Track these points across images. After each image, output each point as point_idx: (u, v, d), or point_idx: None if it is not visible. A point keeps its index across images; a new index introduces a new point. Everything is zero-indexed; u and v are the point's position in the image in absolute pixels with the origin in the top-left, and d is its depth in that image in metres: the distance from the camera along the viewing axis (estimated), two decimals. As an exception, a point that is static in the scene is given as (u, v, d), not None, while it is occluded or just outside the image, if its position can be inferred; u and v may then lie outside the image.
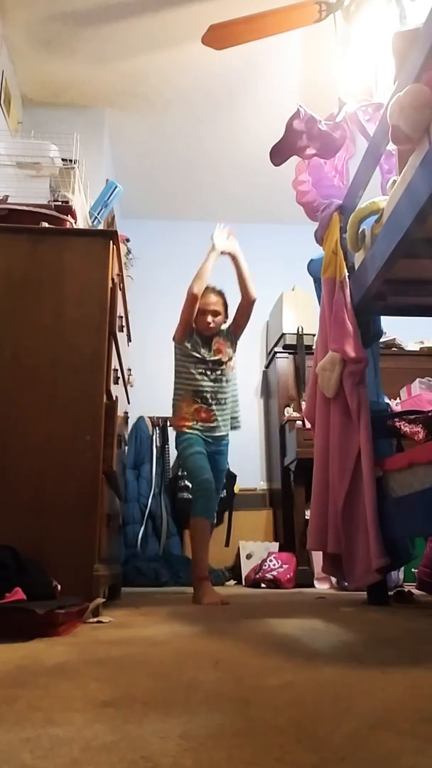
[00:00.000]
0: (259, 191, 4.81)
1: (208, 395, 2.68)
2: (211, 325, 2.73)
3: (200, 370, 2.70)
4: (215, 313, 2.74)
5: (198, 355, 2.70)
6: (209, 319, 2.72)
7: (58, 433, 1.92)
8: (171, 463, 4.32)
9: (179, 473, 4.19)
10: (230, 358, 2.77)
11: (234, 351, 2.81)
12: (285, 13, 2.82)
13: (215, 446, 2.72)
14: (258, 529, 4.11)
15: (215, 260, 2.71)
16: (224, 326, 2.82)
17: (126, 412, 2.85)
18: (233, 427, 2.79)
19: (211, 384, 2.70)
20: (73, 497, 1.86)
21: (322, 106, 2.81)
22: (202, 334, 2.75)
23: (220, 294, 2.80)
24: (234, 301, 2.83)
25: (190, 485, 2.73)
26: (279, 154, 2.50)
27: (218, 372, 2.72)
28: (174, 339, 2.76)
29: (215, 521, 2.81)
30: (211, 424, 2.68)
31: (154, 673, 0.90)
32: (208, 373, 2.71)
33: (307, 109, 2.43)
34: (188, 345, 2.71)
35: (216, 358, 2.72)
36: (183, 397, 2.70)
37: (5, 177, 2.51)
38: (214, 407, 2.69)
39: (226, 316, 2.82)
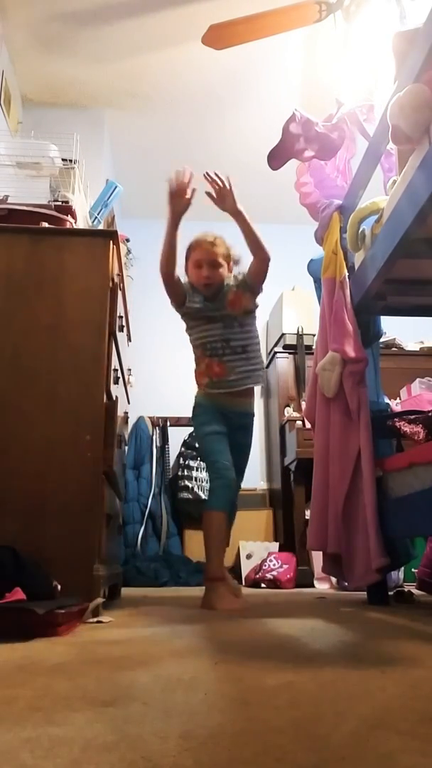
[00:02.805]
0: (259, 191, 4.79)
1: (219, 344, 2.26)
2: (205, 274, 2.26)
3: (206, 320, 2.29)
4: (212, 265, 2.27)
5: (196, 305, 2.28)
6: (204, 272, 2.27)
7: (58, 433, 1.92)
8: (171, 463, 4.32)
9: (179, 473, 4.19)
10: (245, 310, 2.31)
11: (255, 304, 2.34)
12: (285, 13, 2.83)
13: (237, 420, 2.35)
14: (258, 529, 4.11)
15: (173, 226, 2.19)
16: (239, 278, 2.34)
17: (126, 412, 2.85)
18: (257, 380, 2.37)
19: (221, 331, 2.27)
20: (73, 497, 1.86)
21: (322, 106, 2.81)
22: (205, 292, 2.29)
23: (216, 243, 2.32)
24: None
25: (198, 482, 2.48)
26: (277, 158, 2.50)
27: (228, 318, 2.28)
28: (173, 305, 2.34)
29: (233, 518, 2.33)
30: (226, 379, 2.26)
31: (154, 673, 0.90)
32: (216, 319, 2.28)
33: (303, 112, 2.44)
34: (187, 307, 2.30)
35: (226, 312, 2.28)
36: (196, 355, 2.34)
37: (5, 177, 2.51)
38: (227, 358, 2.26)
39: (230, 265, 2.35)
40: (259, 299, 2.37)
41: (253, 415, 2.45)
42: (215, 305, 2.30)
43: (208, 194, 2.25)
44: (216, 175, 2.24)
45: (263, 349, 4.94)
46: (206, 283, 2.28)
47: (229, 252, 2.36)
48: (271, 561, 3.57)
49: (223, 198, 2.26)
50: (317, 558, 3.06)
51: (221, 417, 2.30)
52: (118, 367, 2.29)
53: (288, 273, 4.32)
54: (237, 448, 2.33)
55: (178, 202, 2.19)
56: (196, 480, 4.03)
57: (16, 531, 1.76)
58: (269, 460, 4.63)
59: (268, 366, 4.72)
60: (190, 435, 4.16)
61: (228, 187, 2.25)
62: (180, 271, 2.30)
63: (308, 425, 3.17)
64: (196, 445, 3.80)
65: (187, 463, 4.13)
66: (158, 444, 4.33)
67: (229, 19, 2.84)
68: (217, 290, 2.30)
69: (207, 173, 2.23)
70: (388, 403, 2.54)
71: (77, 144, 2.57)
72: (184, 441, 4.31)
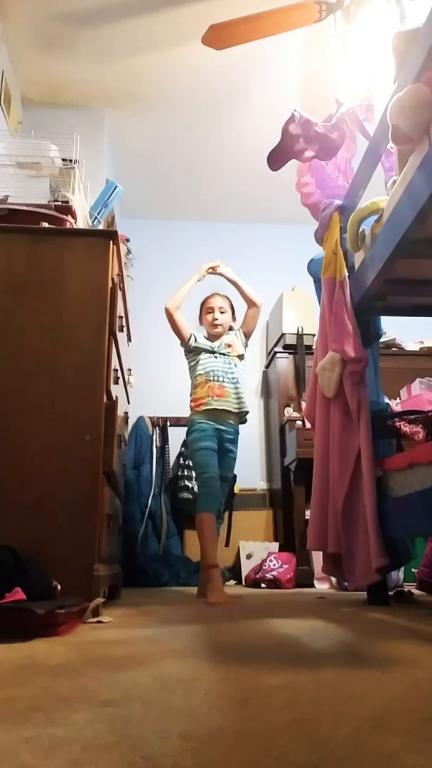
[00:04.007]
0: (259, 191, 4.81)
1: (220, 372, 2.81)
2: (218, 320, 2.91)
3: (209, 356, 2.86)
4: (221, 310, 2.94)
5: (205, 347, 2.87)
6: (216, 314, 2.92)
7: (58, 433, 1.92)
8: (171, 463, 4.32)
9: (179, 473, 4.19)
10: (239, 355, 2.92)
11: (244, 350, 2.98)
12: (285, 13, 2.82)
13: (227, 434, 2.78)
14: (258, 529, 4.11)
15: (193, 283, 2.94)
16: (235, 329, 3.00)
17: (126, 412, 2.85)
18: (245, 407, 2.85)
19: (221, 364, 2.84)
20: (73, 497, 1.86)
21: (322, 106, 2.81)
22: (211, 335, 2.95)
23: (225, 296, 3.01)
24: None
25: (196, 480, 2.78)
26: (276, 159, 2.50)
27: (226, 357, 2.87)
28: (182, 345, 2.94)
29: (221, 519, 2.85)
30: (225, 399, 2.77)
31: (154, 673, 0.90)
32: (217, 356, 2.86)
33: (303, 113, 2.43)
34: (194, 343, 2.87)
35: (225, 351, 2.89)
36: (198, 383, 2.83)
37: (5, 177, 2.51)
38: (226, 383, 2.80)
39: (234, 317, 3.02)
40: (247, 348, 3.05)
41: (239, 432, 2.89)
42: (216, 346, 2.88)
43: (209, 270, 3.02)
44: (213, 267, 3.02)
45: (263, 349, 4.96)
46: (215, 323, 2.92)
47: (233, 305, 3.02)
48: (271, 561, 3.57)
49: (219, 269, 3.01)
50: (317, 558, 3.06)
51: (214, 434, 2.74)
52: (118, 367, 2.29)
53: (288, 273, 4.34)
54: (226, 459, 2.78)
55: (204, 275, 2.99)
56: (195, 480, 4.03)
57: (16, 531, 1.76)
58: (269, 460, 4.63)
59: (268, 366, 4.73)
60: (183, 445, 4.17)
61: (219, 264, 3.02)
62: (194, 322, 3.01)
63: (308, 425, 3.18)
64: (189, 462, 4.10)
65: (187, 463, 4.13)
66: (158, 444, 4.33)
67: (229, 19, 2.84)
68: (222, 333, 2.94)
69: (209, 268, 3.00)
70: (388, 403, 2.54)
71: (77, 144, 2.57)
72: (184, 441, 4.31)
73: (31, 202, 2.31)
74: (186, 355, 2.93)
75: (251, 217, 5.13)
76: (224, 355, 2.86)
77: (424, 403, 2.67)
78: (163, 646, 1.19)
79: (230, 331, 2.98)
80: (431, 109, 1.53)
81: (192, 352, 2.89)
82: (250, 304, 2.95)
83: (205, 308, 2.99)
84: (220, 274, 3.00)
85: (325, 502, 2.20)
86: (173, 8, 3.26)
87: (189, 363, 2.92)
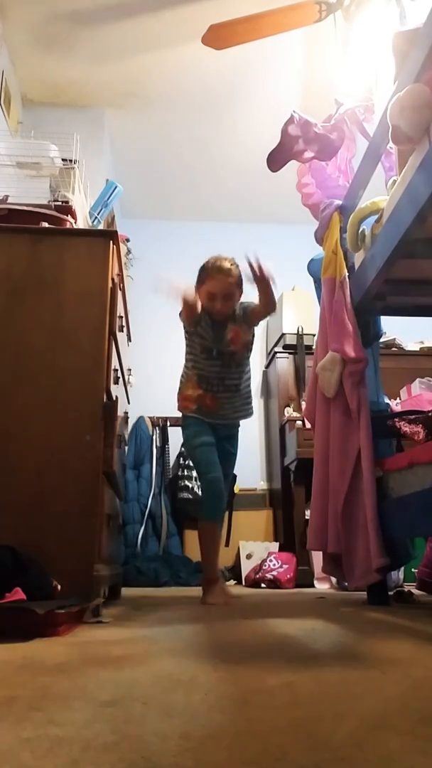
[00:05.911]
0: (259, 191, 4.81)
1: (215, 381, 2.50)
2: (219, 308, 2.45)
3: (206, 355, 2.50)
4: (225, 298, 2.45)
5: (207, 342, 2.50)
6: (218, 305, 2.45)
7: (58, 433, 1.92)
8: (171, 463, 4.32)
9: (179, 473, 4.19)
10: (245, 345, 2.55)
11: (252, 336, 2.59)
12: (285, 13, 2.82)
13: (224, 431, 2.56)
14: (258, 529, 4.11)
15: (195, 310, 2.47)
16: (244, 307, 2.55)
17: (126, 412, 2.85)
18: (245, 415, 2.62)
19: (219, 369, 2.50)
20: (73, 497, 1.86)
21: (322, 106, 2.81)
22: (214, 319, 2.50)
23: (232, 273, 2.45)
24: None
25: (199, 482, 2.67)
26: (276, 160, 2.50)
27: (227, 357, 2.51)
28: (186, 327, 2.58)
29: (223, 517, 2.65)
30: (216, 412, 2.51)
31: (154, 673, 0.90)
32: (215, 356, 2.50)
33: (302, 114, 2.44)
34: (197, 330, 2.50)
35: (228, 349, 2.50)
36: (189, 377, 2.55)
37: (5, 177, 2.51)
38: (220, 395, 2.51)
39: (241, 294, 2.53)
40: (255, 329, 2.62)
41: (239, 425, 2.67)
42: (217, 337, 2.50)
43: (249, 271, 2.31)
44: (257, 261, 2.27)
45: (263, 349, 4.96)
46: (219, 313, 2.48)
47: (240, 276, 2.46)
48: (271, 561, 3.57)
49: (261, 281, 2.32)
50: (317, 558, 3.06)
51: (210, 427, 2.52)
52: (118, 367, 2.29)
53: (288, 273, 4.31)
54: (224, 457, 2.54)
55: (191, 309, 2.42)
56: (195, 480, 4.03)
57: (16, 531, 1.76)
58: (269, 460, 4.63)
59: (268, 366, 4.73)
60: (183, 445, 4.17)
61: (268, 275, 2.30)
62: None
63: (308, 425, 3.18)
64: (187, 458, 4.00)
65: (187, 463, 4.13)
66: (158, 444, 4.33)
67: (228, 19, 2.84)
68: (226, 317, 2.51)
69: (249, 261, 2.27)
70: (388, 403, 2.54)
71: (77, 144, 2.57)
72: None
73: (31, 202, 2.30)
74: (185, 335, 2.58)
75: (251, 217, 5.12)
76: (224, 353, 2.49)
77: (424, 403, 2.67)
78: (163, 646, 1.19)
79: (236, 313, 2.53)
80: (431, 109, 1.53)
81: (194, 337, 2.52)
82: (265, 307, 2.45)
83: (205, 290, 2.46)
84: (260, 282, 2.31)
85: (325, 502, 2.20)
86: (173, 8, 3.26)
87: (186, 342, 2.56)
